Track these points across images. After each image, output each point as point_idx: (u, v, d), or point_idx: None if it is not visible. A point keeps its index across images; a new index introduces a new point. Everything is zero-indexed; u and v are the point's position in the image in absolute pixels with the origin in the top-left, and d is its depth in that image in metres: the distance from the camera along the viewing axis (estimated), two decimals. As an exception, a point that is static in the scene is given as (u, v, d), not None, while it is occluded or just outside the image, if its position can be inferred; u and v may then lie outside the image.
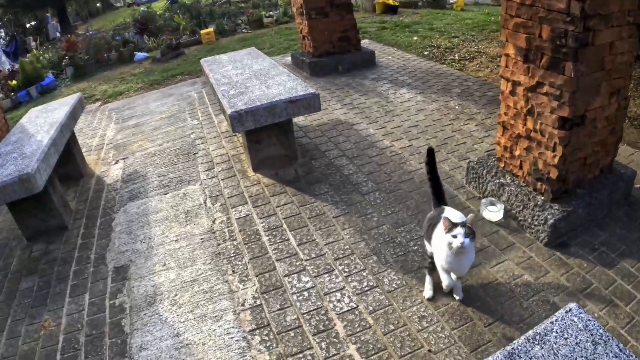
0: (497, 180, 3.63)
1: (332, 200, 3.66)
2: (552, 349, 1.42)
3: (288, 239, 3.24)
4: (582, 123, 3.16)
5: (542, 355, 1.44)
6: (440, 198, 2.71)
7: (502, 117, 3.61)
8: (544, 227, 3.24)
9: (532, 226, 3.35)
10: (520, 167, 3.53)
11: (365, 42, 8.36)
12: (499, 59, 7.36)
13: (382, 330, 2.55)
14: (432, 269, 2.67)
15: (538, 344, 1.44)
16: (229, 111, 3.82)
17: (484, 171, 3.75)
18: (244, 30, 12.06)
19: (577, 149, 3.23)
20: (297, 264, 3.04)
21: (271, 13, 13.46)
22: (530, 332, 1.49)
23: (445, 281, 2.52)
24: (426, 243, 2.67)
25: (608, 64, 3.08)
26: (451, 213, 2.48)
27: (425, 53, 7.12)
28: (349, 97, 5.76)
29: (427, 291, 2.75)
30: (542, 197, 3.36)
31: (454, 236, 2.21)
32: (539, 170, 3.34)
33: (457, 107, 5.19)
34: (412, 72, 6.38)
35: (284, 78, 4.44)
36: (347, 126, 4.97)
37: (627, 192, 3.73)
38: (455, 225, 2.22)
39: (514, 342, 1.52)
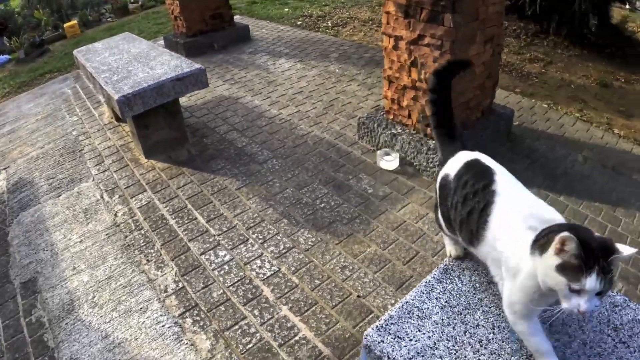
0: (389, 132, 3.85)
1: (231, 173, 3.64)
2: (475, 261, 1.60)
3: (196, 218, 3.18)
4: (468, 66, 3.45)
5: (472, 265, 1.60)
6: (453, 133, 1.75)
7: (387, 71, 3.81)
8: (438, 168, 3.51)
9: (428, 169, 3.63)
10: (409, 117, 3.78)
11: (237, 18, 8.28)
12: (370, 22, 7.75)
13: (309, 286, 2.63)
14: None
15: (466, 260, 1.62)
16: (115, 97, 3.62)
17: (375, 125, 3.96)
18: (109, 20, 11.60)
19: (459, 94, 3.54)
20: (211, 240, 3.02)
21: (136, -2, 13.00)
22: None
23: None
24: (441, 221, 1.63)
25: (482, 14, 3.39)
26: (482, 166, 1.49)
27: (299, 23, 7.33)
28: (229, 72, 5.77)
29: (453, 250, 1.67)
30: (434, 141, 3.63)
31: (577, 291, 1.05)
32: (426, 117, 3.60)
33: (337, 71, 5.38)
34: (288, 42, 6.46)
35: (167, 57, 4.30)
36: (232, 101, 4.98)
37: (508, 130, 4.18)
38: (590, 263, 1.03)
39: (446, 262, 1.67)
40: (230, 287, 2.66)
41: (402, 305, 1.40)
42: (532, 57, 6.30)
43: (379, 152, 3.77)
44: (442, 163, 1.67)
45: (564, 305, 1.09)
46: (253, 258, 2.84)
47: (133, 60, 4.44)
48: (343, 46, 6.60)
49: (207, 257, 2.90)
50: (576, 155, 4.14)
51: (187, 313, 2.54)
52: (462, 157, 1.57)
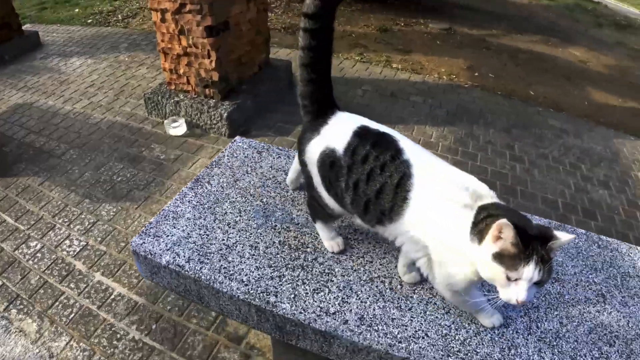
0: (172, 100, 4.31)
1: (33, 172, 3.83)
2: (227, 165, 1.83)
3: (4, 220, 3.33)
4: (227, 28, 4.01)
5: (221, 171, 1.80)
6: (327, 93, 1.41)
7: (160, 44, 4.24)
8: (222, 123, 4.07)
9: (213, 126, 4.15)
10: (188, 82, 4.28)
11: (27, 27, 8.11)
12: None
13: (116, 250, 3.04)
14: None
15: (216, 167, 1.83)
16: None
17: (159, 97, 4.39)
18: None
19: (229, 51, 4.08)
20: (21, 235, 3.20)
21: None
22: (211, 162, 1.86)
23: None
24: (327, 207, 1.43)
25: None
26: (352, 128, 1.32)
27: (89, 21, 7.50)
28: (22, 81, 5.89)
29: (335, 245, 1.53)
30: (213, 100, 4.18)
31: (515, 279, 1.04)
32: (203, 79, 4.12)
33: (126, 59, 5.75)
34: (79, 41, 6.62)
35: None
36: (27, 107, 5.16)
37: (290, 79, 4.86)
38: (527, 254, 1.02)
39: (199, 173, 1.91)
40: (46, 271, 2.89)
41: (160, 213, 1.58)
42: (317, 16, 7.09)
43: (166, 121, 4.22)
44: (310, 131, 1.37)
45: (502, 295, 1.07)
46: (62, 240, 3.12)
47: None
48: (132, 36, 6.91)
49: (20, 251, 3.07)
50: (356, 90, 4.97)
51: (11, 305, 2.70)
52: (344, 126, 1.32)
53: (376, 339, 1.29)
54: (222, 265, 1.45)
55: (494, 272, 1.06)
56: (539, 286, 1.08)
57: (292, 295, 1.38)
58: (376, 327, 1.32)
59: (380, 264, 1.53)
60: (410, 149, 1.25)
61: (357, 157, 1.26)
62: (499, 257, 1.04)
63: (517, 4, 10.40)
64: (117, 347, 2.48)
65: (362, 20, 7.26)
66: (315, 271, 1.47)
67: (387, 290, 1.44)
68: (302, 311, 1.35)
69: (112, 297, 2.78)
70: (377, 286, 1.45)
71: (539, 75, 6.40)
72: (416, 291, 1.46)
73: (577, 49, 8.00)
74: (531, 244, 1.02)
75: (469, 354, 1.29)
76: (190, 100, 4.04)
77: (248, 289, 1.39)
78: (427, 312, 1.39)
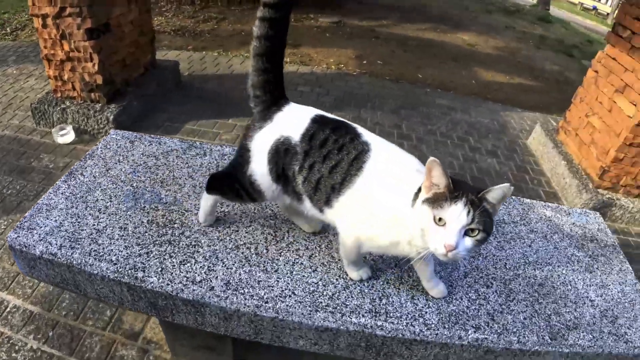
0: (59, 108, 4.19)
1: None
2: (100, 156, 1.86)
3: None
4: (109, 30, 3.94)
5: (94, 163, 1.86)
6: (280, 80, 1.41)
7: (43, 51, 4.08)
8: (109, 126, 4.00)
9: (100, 130, 4.07)
10: (74, 88, 4.16)
11: None
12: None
13: (9, 262, 2.93)
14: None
15: (89, 159, 1.86)
16: None
17: (46, 106, 4.25)
18: None
19: (112, 53, 4.01)
20: None
21: None
22: (84, 155, 1.88)
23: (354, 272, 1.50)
24: (261, 178, 1.40)
25: None
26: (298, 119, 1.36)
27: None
28: None
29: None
30: (99, 104, 4.11)
31: (444, 223, 1.06)
32: (88, 83, 4.03)
33: (14, 72, 5.58)
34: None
35: None
36: None
37: (178, 80, 4.85)
38: (456, 195, 1.06)
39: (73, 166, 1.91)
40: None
41: (34, 207, 1.60)
42: (205, 18, 7.11)
43: (53, 130, 4.09)
44: (262, 119, 1.37)
45: (431, 244, 1.08)
46: None
47: None
48: (21, 48, 6.60)
49: None
50: (244, 85, 5.03)
51: None
52: (299, 115, 1.35)
53: (243, 301, 1.38)
54: (92, 249, 1.49)
55: (423, 218, 1.08)
56: (474, 238, 1.07)
57: (160, 269, 1.44)
58: (242, 291, 1.41)
59: (247, 232, 1.64)
60: (370, 134, 1.32)
61: (315, 142, 1.29)
62: (428, 200, 1.08)
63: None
64: (17, 359, 2.42)
65: (254, 19, 7.17)
66: (182, 244, 1.55)
67: (253, 256, 1.54)
68: (169, 282, 1.41)
69: (8, 309, 2.68)
70: (242, 252, 1.55)
71: (427, 59, 6.79)
72: (282, 254, 1.57)
73: (466, 34, 8.56)
74: (462, 188, 1.06)
75: (339, 307, 1.41)
76: (77, 106, 3.96)
77: (117, 267, 1.43)
78: (294, 272, 1.51)
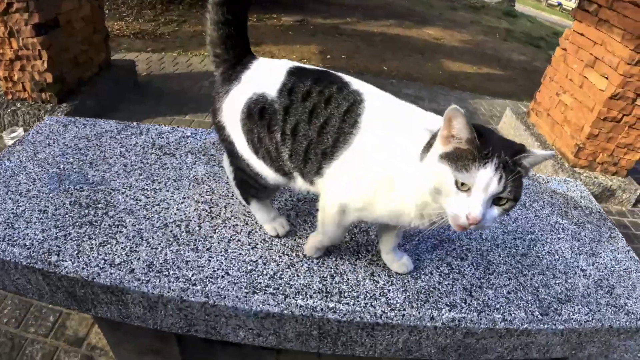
0: (9, 110, 3.85)
1: None
2: (30, 141, 1.68)
3: None
4: (58, 25, 3.64)
5: (22, 148, 1.67)
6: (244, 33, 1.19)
7: (-9, 53, 3.78)
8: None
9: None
10: (24, 89, 3.83)
11: None
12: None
13: None
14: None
15: (18, 144, 1.67)
16: None
17: (-6, 109, 3.92)
18: None
19: (63, 50, 3.71)
20: None
21: None
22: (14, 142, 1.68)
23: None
24: (248, 155, 1.15)
25: None
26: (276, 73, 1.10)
27: None
28: None
29: (278, 227, 1.32)
30: (51, 104, 3.79)
31: (467, 188, 0.84)
32: (38, 82, 3.71)
33: None
34: None
35: None
36: None
37: (135, 79, 4.54)
38: (486, 154, 0.83)
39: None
40: None
41: None
42: (166, 21, 6.82)
43: (4, 133, 3.75)
44: (226, 82, 1.14)
45: (450, 208, 0.84)
46: None
47: None
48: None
49: None
50: (203, 82, 4.75)
51: None
52: (271, 69, 1.11)
53: (167, 285, 1.13)
54: (7, 234, 1.23)
55: (441, 178, 0.84)
56: (502, 208, 0.85)
57: (76, 252, 1.19)
58: (166, 273, 1.16)
59: (178, 209, 1.38)
60: (358, 81, 1.07)
61: (296, 96, 1.04)
62: (448, 156, 0.84)
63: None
64: (-46, 374, 2.11)
65: (215, 20, 7.05)
66: (105, 225, 1.29)
67: (183, 234, 1.29)
68: (85, 266, 1.16)
69: None
70: (171, 231, 1.29)
71: (392, 53, 6.61)
72: (217, 230, 1.31)
73: (432, 29, 8.43)
74: (492, 146, 0.82)
75: (281, 288, 1.16)
76: (27, 107, 3.65)
77: (30, 252, 1.18)
78: (229, 251, 1.26)
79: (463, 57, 7.00)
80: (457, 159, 0.82)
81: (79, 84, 3.94)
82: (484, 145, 0.81)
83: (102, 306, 1.20)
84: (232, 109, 1.10)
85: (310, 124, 1.02)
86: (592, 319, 1.25)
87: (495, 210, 0.85)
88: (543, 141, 3.99)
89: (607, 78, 3.32)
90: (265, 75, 1.08)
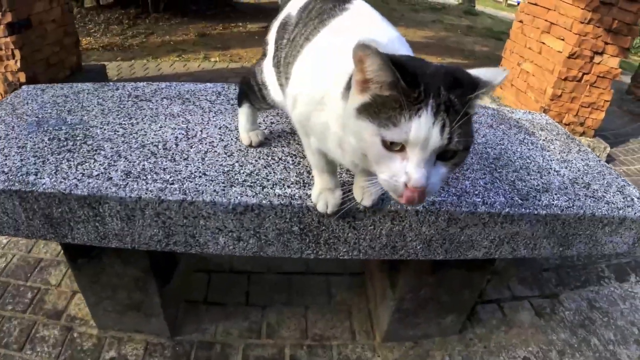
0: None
1: None
2: (8, 103, 1.62)
3: None
4: (30, 26, 3.59)
5: (2, 108, 1.60)
6: None
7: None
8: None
9: None
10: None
11: None
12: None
13: None
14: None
15: None
16: None
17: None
18: None
19: (35, 51, 3.64)
20: None
21: None
22: None
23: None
24: (267, 64, 1.15)
25: None
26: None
27: None
28: None
29: (253, 135, 1.30)
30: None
31: (399, 147, 0.65)
32: (12, 83, 3.63)
33: None
34: None
35: None
36: None
37: (106, 82, 4.47)
38: (417, 98, 0.62)
39: None
40: None
41: None
42: (134, 34, 6.78)
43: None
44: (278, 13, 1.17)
45: (383, 180, 0.67)
46: None
47: None
48: None
49: None
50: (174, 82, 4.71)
51: None
52: None
53: (144, 187, 1.10)
54: None
55: (362, 138, 0.65)
56: (450, 163, 0.66)
57: (54, 171, 1.15)
58: (144, 178, 1.13)
59: (155, 134, 1.34)
60: (364, 6, 0.98)
61: (304, 13, 1.00)
62: (367, 109, 0.64)
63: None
64: None
65: (182, 31, 7.07)
66: (83, 150, 1.25)
67: (161, 150, 1.27)
68: (63, 180, 1.11)
69: None
70: (149, 149, 1.27)
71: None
72: (194, 146, 1.28)
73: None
74: (425, 84, 0.61)
75: (259, 181, 1.13)
76: (1, 110, 3.53)
77: (8, 176, 1.13)
78: (206, 159, 1.23)
79: (427, 49, 7.09)
80: (379, 110, 0.62)
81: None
82: (414, 84, 0.61)
83: (79, 227, 1.15)
84: (272, 29, 1.14)
85: (304, 30, 0.96)
86: (573, 206, 1.25)
87: (443, 168, 0.66)
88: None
89: (563, 40, 3.38)
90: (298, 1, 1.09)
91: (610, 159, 3.83)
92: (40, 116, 1.49)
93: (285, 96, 0.98)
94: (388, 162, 0.64)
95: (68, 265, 1.82)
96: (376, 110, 0.62)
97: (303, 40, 0.92)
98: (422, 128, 0.60)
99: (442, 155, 0.65)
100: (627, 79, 5.87)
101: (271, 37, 1.13)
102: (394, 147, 0.63)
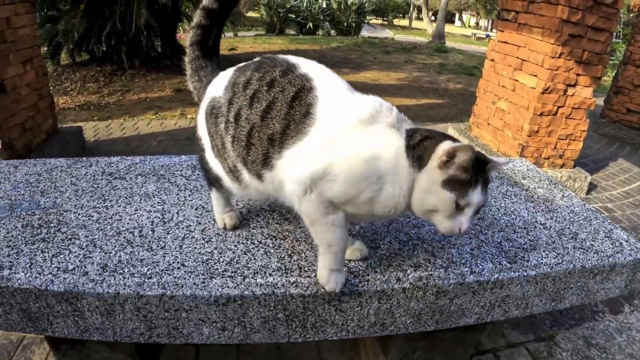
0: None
1: None
2: None
3: None
4: (4, 91, 3.55)
5: None
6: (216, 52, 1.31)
7: None
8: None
9: None
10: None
11: None
12: None
13: None
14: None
15: None
16: None
17: None
18: None
19: (10, 116, 3.58)
20: None
21: None
22: None
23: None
24: (214, 168, 1.17)
25: (10, 36, 3.49)
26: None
27: None
28: None
29: (227, 218, 1.29)
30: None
31: (462, 209, 0.92)
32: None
33: None
34: None
35: None
36: None
37: (83, 145, 4.44)
38: (475, 177, 0.91)
39: None
40: None
41: None
42: (110, 91, 6.79)
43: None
44: (199, 100, 1.18)
45: (443, 227, 0.92)
46: None
47: None
48: None
49: None
50: (151, 142, 4.69)
51: None
52: (226, 73, 1.11)
53: (122, 282, 1.06)
54: None
55: (443, 200, 0.90)
56: (477, 213, 0.95)
57: (28, 265, 1.11)
58: (121, 271, 1.09)
59: (130, 219, 1.30)
60: (307, 63, 1.03)
61: (237, 87, 1.02)
62: (450, 183, 0.89)
63: (307, 51, 11.06)
64: None
65: (157, 87, 7.11)
66: (57, 239, 1.21)
67: (137, 238, 1.22)
68: (38, 275, 1.07)
69: None
70: (124, 237, 1.23)
71: (332, 96, 6.70)
72: (171, 232, 1.23)
73: (369, 72, 8.70)
74: (477, 167, 0.90)
75: (239, 270, 1.10)
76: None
77: None
78: (184, 247, 1.19)
79: (401, 92, 7.21)
80: (459, 186, 0.88)
81: (28, 150, 3.81)
82: (474, 169, 0.89)
83: (59, 321, 1.10)
84: (200, 118, 1.14)
85: (252, 108, 0.98)
86: (562, 261, 1.23)
87: (474, 217, 0.95)
88: (488, 150, 4.07)
89: (535, 76, 3.45)
90: (219, 81, 1.10)
91: (592, 187, 3.86)
92: (13, 198, 1.45)
93: (285, 181, 0.99)
94: (454, 216, 0.90)
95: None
96: (457, 185, 0.88)
97: (278, 128, 0.97)
98: (477, 196, 0.90)
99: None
100: (600, 102, 6.00)
101: (202, 130, 1.14)
102: (461, 206, 0.90)
